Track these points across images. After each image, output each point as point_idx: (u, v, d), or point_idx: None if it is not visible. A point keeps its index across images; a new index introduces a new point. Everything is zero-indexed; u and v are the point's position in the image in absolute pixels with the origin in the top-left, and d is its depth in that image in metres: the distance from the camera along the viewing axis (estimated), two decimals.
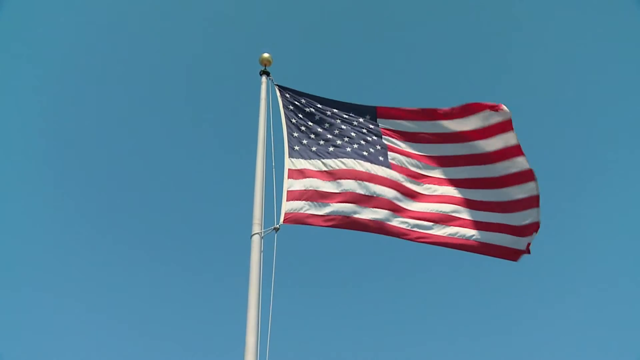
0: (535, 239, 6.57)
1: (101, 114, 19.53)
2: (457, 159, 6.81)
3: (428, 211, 6.54)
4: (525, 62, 21.12)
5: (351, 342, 17.04)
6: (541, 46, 20.77)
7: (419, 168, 6.80)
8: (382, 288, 18.73)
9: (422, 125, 6.89)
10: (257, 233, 5.61)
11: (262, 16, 21.47)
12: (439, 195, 6.68)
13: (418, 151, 6.88)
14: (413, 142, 6.90)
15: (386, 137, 6.92)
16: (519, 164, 6.54)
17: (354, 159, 6.64)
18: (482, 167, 6.73)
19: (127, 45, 19.94)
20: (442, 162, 6.82)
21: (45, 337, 15.52)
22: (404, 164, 6.78)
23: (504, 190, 6.62)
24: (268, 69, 7.36)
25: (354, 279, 18.94)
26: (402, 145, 6.87)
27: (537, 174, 6.58)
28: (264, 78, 7.25)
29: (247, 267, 5.44)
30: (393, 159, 6.80)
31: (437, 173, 6.78)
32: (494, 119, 6.53)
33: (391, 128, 6.95)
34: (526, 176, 6.52)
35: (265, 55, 7.41)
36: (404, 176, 6.69)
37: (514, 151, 6.54)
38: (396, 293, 18.56)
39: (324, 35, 22.21)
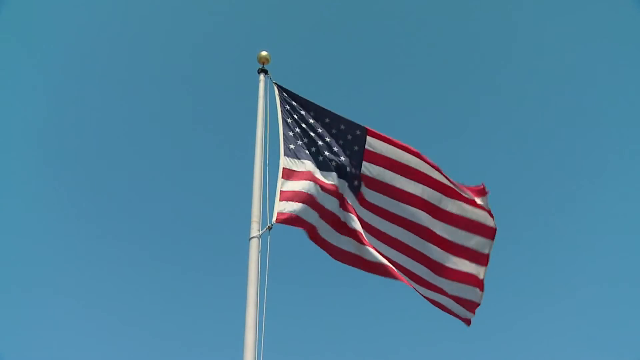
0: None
1: (98, 114, 19.55)
2: (430, 207, 6.86)
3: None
4: (525, 61, 21.12)
5: (349, 340, 17.08)
6: (541, 46, 20.76)
7: (389, 205, 6.82)
8: (381, 285, 18.74)
9: (409, 160, 6.88)
10: (256, 236, 5.70)
11: (260, 14, 21.49)
12: (397, 240, 6.80)
13: (396, 183, 6.86)
14: (394, 172, 6.87)
15: (367, 162, 6.84)
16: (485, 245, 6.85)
17: (336, 178, 6.63)
18: (449, 227, 6.86)
19: (125, 44, 19.95)
20: (416, 202, 6.84)
21: (45, 336, 15.58)
22: (374, 199, 6.81)
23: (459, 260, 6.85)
24: (266, 67, 7.39)
25: (353, 276, 18.95)
26: (380, 175, 6.83)
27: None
28: (262, 76, 7.29)
29: (245, 265, 5.48)
30: (365, 193, 6.79)
31: (405, 213, 6.82)
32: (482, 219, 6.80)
33: (376, 152, 6.89)
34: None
35: (264, 53, 7.43)
36: (371, 213, 6.74)
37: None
38: (396, 292, 18.56)
39: (322, 33, 22.21)
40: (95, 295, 17.00)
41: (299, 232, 6.13)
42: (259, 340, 5.03)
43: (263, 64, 7.37)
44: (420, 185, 6.81)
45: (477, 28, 21.52)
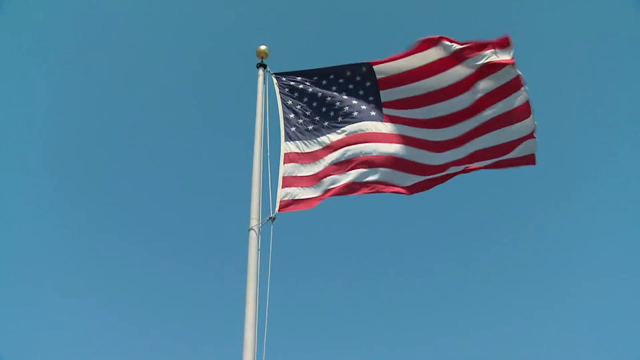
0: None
1: (97, 108, 19.51)
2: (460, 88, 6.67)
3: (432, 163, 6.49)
4: (524, 61, 21.07)
5: (351, 337, 17.01)
6: (540, 45, 20.76)
7: (418, 114, 6.68)
8: (383, 282, 18.72)
9: (419, 61, 6.71)
10: (253, 228, 5.60)
11: (259, 8, 21.47)
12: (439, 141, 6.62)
13: (416, 92, 6.72)
14: (410, 82, 6.74)
15: (383, 91, 6.79)
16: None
17: (345, 125, 6.61)
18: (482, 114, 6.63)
19: (124, 41, 19.92)
20: (442, 95, 6.68)
21: (45, 336, 15.51)
22: (399, 115, 6.68)
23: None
24: (265, 62, 7.27)
25: (354, 272, 18.93)
26: (399, 93, 6.73)
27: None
28: (260, 71, 7.19)
29: (245, 261, 5.39)
30: (387, 112, 6.70)
31: (435, 113, 6.68)
32: (505, 77, 6.47)
33: (387, 76, 6.79)
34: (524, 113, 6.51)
35: (262, 47, 7.33)
36: (400, 125, 6.62)
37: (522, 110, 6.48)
38: (397, 288, 18.54)
39: (321, 27, 22.18)
40: (93, 291, 16.91)
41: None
42: (260, 338, 4.95)
43: (262, 59, 7.26)
44: (440, 76, 6.65)
45: (476, 27, 21.50)
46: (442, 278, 18.98)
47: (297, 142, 6.53)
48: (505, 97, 6.53)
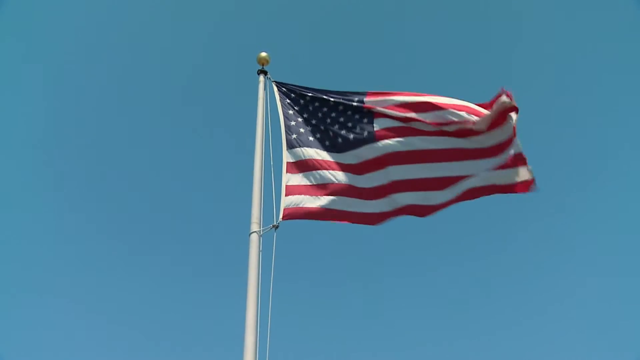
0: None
1: (98, 112, 19.59)
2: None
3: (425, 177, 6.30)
4: (524, 62, 21.12)
5: (352, 341, 17.05)
6: (540, 46, 20.80)
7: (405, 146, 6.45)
8: (384, 286, 18.75)
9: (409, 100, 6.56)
10: (255, 231, 5.63)
11: (261, 15, 21.53)
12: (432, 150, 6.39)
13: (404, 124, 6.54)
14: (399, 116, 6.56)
15: (375, 119, 6.63)
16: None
17: (344, 150, 6.56)
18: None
19: (125, 45, 20.01)
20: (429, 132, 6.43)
21: (45, 337, 15.58)
22: (389, 125, 6.53)
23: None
24: (266, 68, 7.34)
25: (356, 276, 18.96)
26: (389, 123, 6.57)
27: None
28: (261, 77, 7.25)
29: (246, 265, 5.45)
30: (378, 124, 6.56)
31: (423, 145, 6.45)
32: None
33: (378, 108, 6.66)
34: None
35: (263, 54, 7.40)
36: (391, 140, 6.46)
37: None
38: (398, 291, 18.57)
39: (322, 34, 22.24)
40: (94, 294, 16.96)
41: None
42: (263, 343, 5.00)
43: (263, 65, 7.33)
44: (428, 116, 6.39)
45: (477, 27, 21.53)
46: (445, 281, 19.04)
47: (297, 149, 6.58)
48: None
